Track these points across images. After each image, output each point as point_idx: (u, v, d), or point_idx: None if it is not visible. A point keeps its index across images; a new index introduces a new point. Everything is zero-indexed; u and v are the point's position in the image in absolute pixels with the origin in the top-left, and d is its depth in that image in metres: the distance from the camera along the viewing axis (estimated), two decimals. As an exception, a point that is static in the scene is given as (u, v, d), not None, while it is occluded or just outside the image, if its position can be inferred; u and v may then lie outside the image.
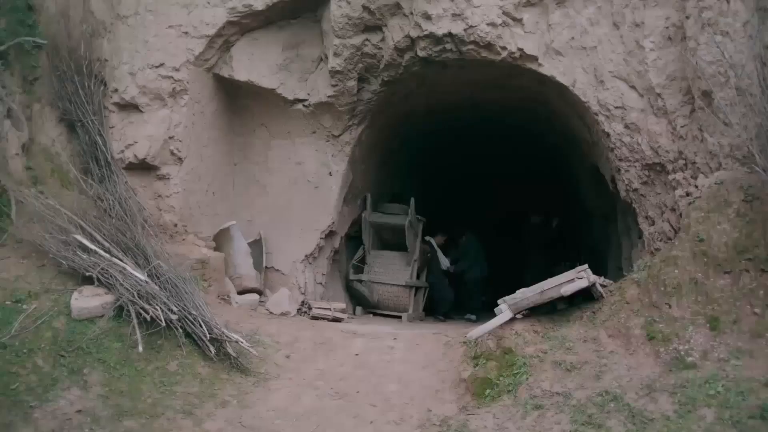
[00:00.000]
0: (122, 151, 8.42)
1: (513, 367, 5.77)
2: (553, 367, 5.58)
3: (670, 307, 5.55)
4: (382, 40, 8.37)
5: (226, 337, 6.36)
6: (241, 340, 6.43)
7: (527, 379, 5.59)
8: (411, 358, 6.74)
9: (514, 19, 7.66)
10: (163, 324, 6.12)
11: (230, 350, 6.34)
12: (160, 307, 6.19)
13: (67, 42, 8.41)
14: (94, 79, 8.38)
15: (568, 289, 5.88)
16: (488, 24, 7.66)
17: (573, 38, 7.50)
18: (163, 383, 5.90)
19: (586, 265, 6.11)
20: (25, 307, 6.30)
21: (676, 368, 5.17)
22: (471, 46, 7.84)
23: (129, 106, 8.51)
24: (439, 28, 7.78)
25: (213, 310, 7.23)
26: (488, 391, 5.71)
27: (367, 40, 8.40)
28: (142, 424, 5.40)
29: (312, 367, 6.56)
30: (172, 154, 8.52)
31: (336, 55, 8.44)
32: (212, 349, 6.23)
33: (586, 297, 6.26)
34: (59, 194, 7.62)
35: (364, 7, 8.07)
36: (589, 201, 10.81)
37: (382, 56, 8.47)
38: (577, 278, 5.96)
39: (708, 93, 6.21)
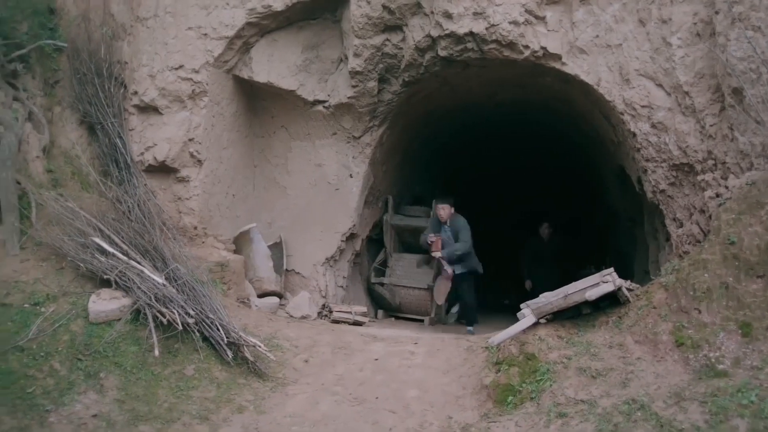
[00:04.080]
0: (142, 154, 8.41)
1: (536, 374, 5.60)
2: (578, 373, 5.40)
3: (699, 312, 5.34)
4: (403, 39, 8.27)
5: (244, 341, 6.28)
6: (258, 344, 6.35)
7: (551, 385, 5.41)
8: (432, 363, 6.59)
9: (536, 17, 7.51)
10: (180, 328, 6.05)
11: (248, 354, 6.25)
12: (177, 311, 6.12)
13: (88, 45, 8.45)
14: (114, 82, 8.40)
15: (592, 294, 5.70)
16: (510, 22, 7.51)
17: (597, 36, 7.33)
18: (180, 388, 5.83)
19: (611, 269, 5.93)
20: (43, 310, 6.28)
21: (707, 376, 4.96)
22: (493, 45, 7.70)
23: (149, 109, 8.50)
24: (461, 27, 7.66)
25: (232, 313, 7.17)
26: (510, 398, 5.54)
27: (387, 40, 8.30)
28: (158, 429, 5.32)
29: (331, 372, 6.45)
30: (192, 156, 8.49)
31: (356, 55, 8.35)
32: (229, 353, 6.15)
33: (611, 301, 6.07)
34: (79, 197, 7.60)
35: (384, 7, 7.98)
36: (614, 202, 10.60)
37: (403, 56, 8.37)
38: (602, 282, 5.76)
39: (739, 90, 6.00)
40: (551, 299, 5.99)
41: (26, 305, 6.32)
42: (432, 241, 8.99)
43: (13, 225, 7.04)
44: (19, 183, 7.30)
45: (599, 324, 5.92)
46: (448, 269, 8.94)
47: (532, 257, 11.49)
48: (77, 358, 5.88)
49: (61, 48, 8.31)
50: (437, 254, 8.92)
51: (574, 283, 6.01)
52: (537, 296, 10.22)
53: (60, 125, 8.15)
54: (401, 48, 8.33)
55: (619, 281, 5.83)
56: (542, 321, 6.11)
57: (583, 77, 7.47)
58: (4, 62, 7.75)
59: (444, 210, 9.22)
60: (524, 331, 6.04)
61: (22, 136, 7.58)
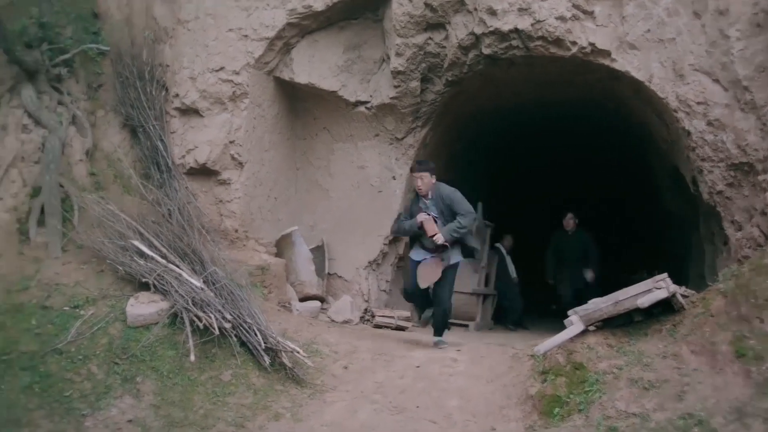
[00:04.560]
0: (183, 156, 8.38)
1: (584, 384, 5.31)
2: (629, 384, 5.10)
3: (762, 321, 4.99)
4: (446, 38, 8.08)
5: (282, 346, 6.14)
6: (297, 349, 6.19)
7: (600, 397, 5.12)
8: (475, 371, 6.36)
9: (584, 12, 7.23)
10: (217, 332, 5.95)
11: (285, 360, 6.10)
12: (214, 315, 6.02)
13: (130, 48, 8.48)
14: (156, 85, 8.40)
15: (645, 301, 5.38)
16: (557, 18, 7.26)
17: (649, 30, 7.02)
18: (216, 394, 5.72)
19: (665, 274, 5.60)
20: (82, 312, 6.27)
21: (771, 390, 4.63)
22: (539, 42, 7.45)
23: (190, 111, 8.47)
24: (505, 24, 7.43)
25: (272, 317, 7.07)
26: (557, 409, 5.26)
27: (429, 38, 8.13)
28: (193, 436, 5.23)
29: (370, 379, 6.26)
30: (233, 158, 8.43)
31: (398, 55, 8.18)
32: (267, 359, 6.01)
33: (665, 308, 5.74)
34: (121, 200, 7.61)
35: (427, 5, 7.81)
36: (667, 203, 10.19)
37: (446, 55, 8.17)
38: (655, 288, 5.45)
39: (804, 84, 5.64)
40: (600, 305, 5.71)
41: (66, 308, 6.32)
42: (422, 222, 6.94)
43: (55, 228, 7.07)
44: (62, 186, 7.34)
45: (652, 332, 5.60)
46: (451, 258, 7.05)
47: (556, 253, 10.80)
48: (114, 362, 5.83)
49: (104, 52, 8.36)
50: (441, 239, 6.87)
51: (625, 289, 5.71)
52: (560, 296, 9.80)
53: (103, 128, 8.18)
54: (444, 46, 8.14)
55: (674, 287, 5.51)
56: (591, 328, 5.82)
57: (634, 74, 7.16)
58: (48, 67, 7.82)
59: (423, 179, 7.03)
60: (572, 338, 5.76)
61: (65, 140, 7.63)
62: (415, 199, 7.30)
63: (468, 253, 7.29)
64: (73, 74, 8.13)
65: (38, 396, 5.43)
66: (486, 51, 7.77)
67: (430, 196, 7.10)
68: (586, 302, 5.87)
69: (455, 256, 7.13)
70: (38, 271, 6.67)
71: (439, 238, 6.87)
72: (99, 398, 5.48)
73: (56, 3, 8.32)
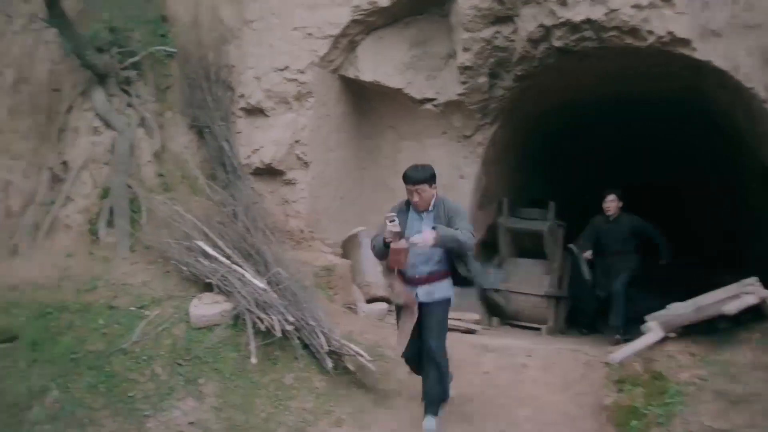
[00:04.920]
0: (249, 157, 8.39)
1: (664, 395, 4.98)
2: (715, 397, 4.75)
3: None
4: (514, 31, 7.79)
5: (345, 350, 5.99)
6: (361, 353, 6.03)
7: (682, 410, 4.79)
8: (546, 378, 6.08)
9: (663, -1, 6.83)
10: (279, 334, 5.86)
11: (349, 364, 5.97)
12: (276, 317, 5.93)
13: (197, 50, 8.53)
14: (222, 85, 8.45)
15: (731, 308, 5.00)
16: (632, 6, 6.89)
17: (734, 16, 6.58)
18: (278, 397, 5.62)
19: (754, 278, 5.19)
20: (147, 313, 6.30)
21: None
22: (613, 33, 7.09)
23: (255, 111, 8.47)
24: (577, 15, 7.11)
25: (337, 319, 6.95)
26: (634, 422, 4.95)
27: (497, 32, 7.85)
28: (253, 441, 5.15)
29: (436, 384, 6.06)
30: (298, 158, 8.38)
31: (465, 50, 7.95)
32: (330, 362, 5.87)
33: (754, 315, 5.32)
34: (188, 201, 7.65)
35: (494, -3, 7.53)
36: (756, 202, 9.57)
37: (515, 49, 7.88)
38: (743, 293, 5.06)
39: None
40: (681, 311, 5.35)
41: (132, 308, 6.37)
42: (390, 236, 4.95)
43: (123, 228, 7.18)
44: (130, 187, 7.45)
45: (740, 341, 5.20)
46: (435, 291, 5.15)
47: (595, 243, 8.84)
48: (177, 363, 5.82)
49: (172, 54, 8.47)
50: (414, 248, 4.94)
51: (708, 294, 5.33)
52: (602, 294, 8.73)
53: (170, 130, 8.27)
54: (513, 40, 7.85)
55: (764, 292, 5.10)
56: (671, 335, 5.46)
57: (718, 63, 6.72)
58: (118, 70, 7.98)
59: (421, 193, 5.11)
60: (650, 346, 5.42)
61: (134, 141, 7.77)
62: (404, 208, 5.33)
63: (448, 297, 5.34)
64: (142, 77, 8.28)
65: (103, 395, 5.46)
66: (557, 43, 7.46)
67: (431, 208, 5.22)
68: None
69: (441, 289, 5.23)
70: (107, 271, 6.79)
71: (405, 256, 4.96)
72: (162, 399, 5.47)
73: (126, 7, 8.46)
